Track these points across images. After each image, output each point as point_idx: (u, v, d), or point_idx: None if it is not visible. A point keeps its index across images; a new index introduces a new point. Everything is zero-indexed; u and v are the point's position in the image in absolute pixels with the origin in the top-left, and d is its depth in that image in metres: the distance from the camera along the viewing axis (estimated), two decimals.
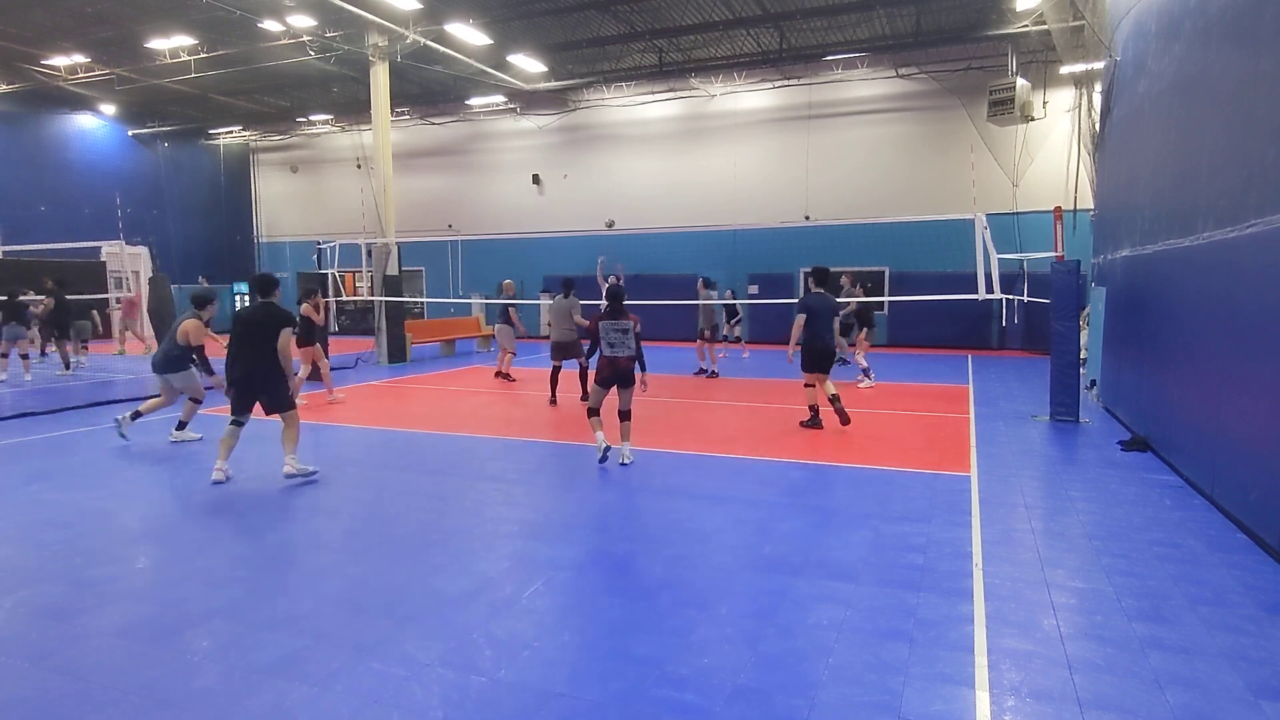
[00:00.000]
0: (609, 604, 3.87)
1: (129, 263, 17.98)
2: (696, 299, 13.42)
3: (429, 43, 15.77)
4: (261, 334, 6.14)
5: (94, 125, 23.22)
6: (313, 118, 24.01)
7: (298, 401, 7.02)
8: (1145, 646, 3.36)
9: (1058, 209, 10.54)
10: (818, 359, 8.44)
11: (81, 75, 18.88)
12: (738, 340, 17.55)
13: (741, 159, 20.52)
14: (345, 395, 10.81)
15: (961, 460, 6.91)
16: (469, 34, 15.56)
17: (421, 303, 22.82)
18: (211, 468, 6.38)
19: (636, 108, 21.42)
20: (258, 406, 6.36)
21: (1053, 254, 9.66)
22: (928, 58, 17.95)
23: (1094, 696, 2.96)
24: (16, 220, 20.44)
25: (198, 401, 8.02)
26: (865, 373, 11.80)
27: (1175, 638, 3.44)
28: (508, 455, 7.36)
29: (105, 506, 5.61)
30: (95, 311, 15.88)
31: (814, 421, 8.44)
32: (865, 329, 12.20)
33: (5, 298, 12.48)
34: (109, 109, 22.98)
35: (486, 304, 19.34)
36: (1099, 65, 11.48)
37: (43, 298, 13.80)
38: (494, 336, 13.96)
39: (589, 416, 6.97)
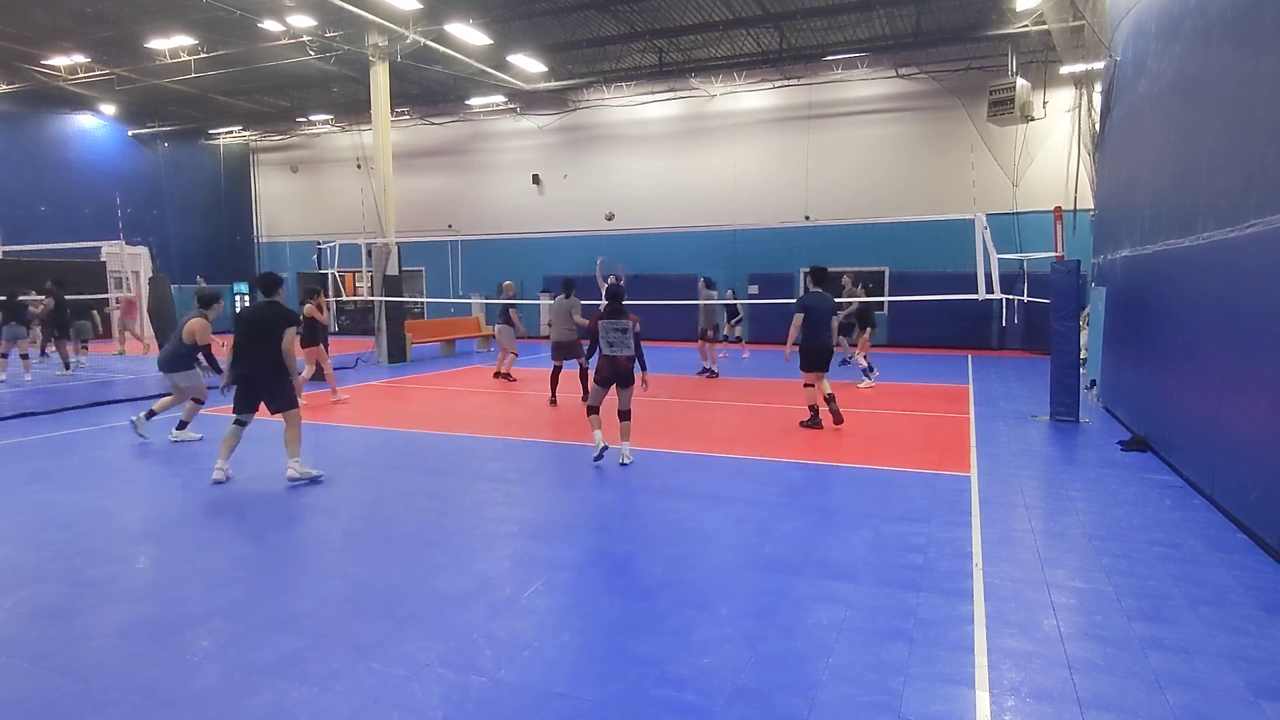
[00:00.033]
0: (609, 604, 3.87)
1: (129, 263, 17.98)
2: (697, 299, 13.42)
3: (429, 43, 15.77)
4: (265, 333, 6.13)
5: (94, 125, 23.22)
6: (313, 118, 24.01)
7: (299, 401, 7.01)
8: (1145, 646, 3.36)
9: (1058, 209, 10.55)
10: (816, 358, 8.45)
11: (81, 75, 18.88)
12: (738, 340, 17.55)
13: (741, 159, 20.52)
14: (349, 396, 10.80)
15: (961, 460, 6.91)
16: (469, 34, 15.56)
17: (421, 303, 22.83)
18: (212, 467, 6.38)
19: (636, 108, 21.42)
20: (261, 407, 6.35)
21: (1053, 254, 9.66)
22: (928, 58, 17.95)
23: (1094, 696, 2.96)
24: (16, 220, 20.44)
25: (200, 402, 8.03)
26: (865, 373, 11.80)
27: (1175, 638, 3.44)
28: (508, 455, 7.36)
29: (105, 506, 5.61)
30: (95, 311, 15.89)
31: (814, 421, 8.44)
32: (868, 329, 12.20)
33: (4, 298, 12.48)
34: (109, 109, 22.99)
35: (486, 304, 19.34)
36: (1099, 65, 11.49)
37: (43, 298, 13.80)
38: (494, 337, 13.96)
39: (588, 415, 7.01)
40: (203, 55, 17.27)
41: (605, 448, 6.82)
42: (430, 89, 21.22)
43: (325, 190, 26.44)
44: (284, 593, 4.04)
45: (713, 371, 13.07)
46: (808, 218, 18.89)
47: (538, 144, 23.00)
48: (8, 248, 18.72)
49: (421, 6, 14.70)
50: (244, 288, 26.38)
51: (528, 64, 17.92)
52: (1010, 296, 12.79)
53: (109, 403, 10.42)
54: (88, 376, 13.34)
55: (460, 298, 22.63)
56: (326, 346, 10.77)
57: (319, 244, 22.40)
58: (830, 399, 8.43)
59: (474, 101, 21.72)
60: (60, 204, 21.99)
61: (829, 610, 3.74)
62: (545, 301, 18.82)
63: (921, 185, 18.58)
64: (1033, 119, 14.70)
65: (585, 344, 9.03)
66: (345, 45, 16.01)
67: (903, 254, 18.49)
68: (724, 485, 6.20)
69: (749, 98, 20.36)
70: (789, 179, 19.97)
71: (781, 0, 15.16)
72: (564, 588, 4.08)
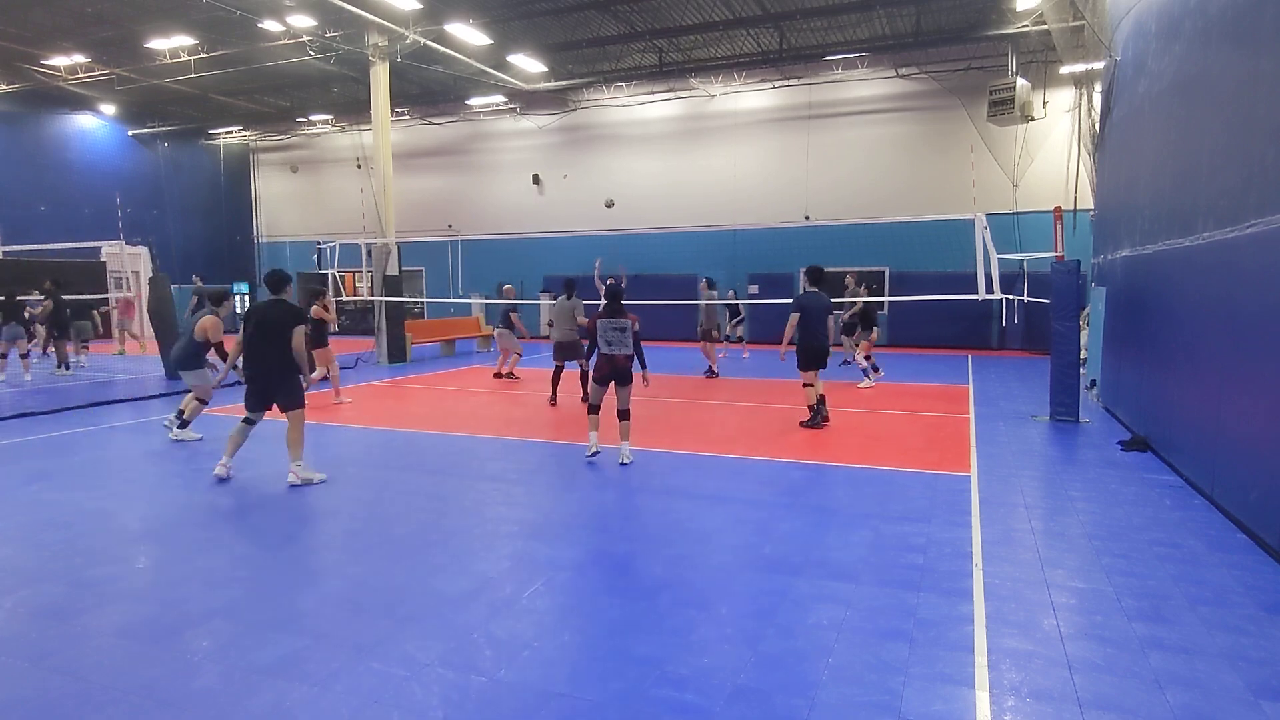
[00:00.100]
0: (609, 604, 3.87)
1: (129, 263, 17.96)
2: (697, 299, 13.42)
3: (429, 43, 15.77)
4: (274, 332, 6.11)
5: (94, 125, 23.21)
6: (313, 118, 24.01)
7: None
8: (1145, 646, 3.36)
9: (1058, 209, 10.55)
10: (813, 357, 8.47)
11: (81, 75, 18.88)
12: (739, 340, 17.56)
13: (741, 159, 20.52)
14: (351, 399, 10.77)
15: (961, 460, 6.91)
16: (469, 34, 15.56)
17: (421, 303, 22.82)
18: (212, 467, 6.38)
19: (636, 108, 21.42)
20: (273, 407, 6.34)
21: (1053, 254, 9.66)
22: (928, 58, 17.95)
23: (1094, 696, 2.96)
24: (16, 220, 20.43)
25: (204, 402, 8.03)
26: (866, 373, 11.81)
27: (1175, 638, 3.44)
28: (508, 455, 7.36)
29: (105, 506, 5.61)
30: (95, 311, 15.89)
31: (814, 421, 8.45)
32: (872, 329, 12.18)
33: (3, 298, 12.47)
34: (109, 109, 22.98)
35: (486, 304, 19.34)
36: (1099, 65, 11.49)
37: (43, 299, 13.80)
38: (494, 337, 13.95)
39: (589, 414, 7.06)
40: (203, 55, 17.27)
41: (598, 451, 6.95)
42: (430, 89, 21.22)
43: (325, 190, 26.44)
44: (284, 593, 4.04)
45: (713, 371, 13.08)
46: (808, 218, 18.89)
47: (538, 144, 23.00)
48: (8, 248, 18.72)
49: (421, 6, 14.70)
50: (244, 288, 26.39)
51: (528, 64, 17.92)
52: (1010, 296, 12.80)
53: (109, 403, 10.42)
54: (88, 376, 13.34)
55: (460, 298, 22.63)
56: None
57: (319, 244, 22.41)
58: (821, 400, 8.46)
59: (474, 101, 21.72)
60: (60, 204, 21.99)
61: (829, 610, 3.74)
62: (546, 302, 18.83)
63: (921, 185, 18.58)
64: (1033, 119, 14.70)
65: (585, 344, 9.04)
66: (345, 45, 16.01)
67: (903, 254, 18.49)
68: (724, 485, 6.20)
69: (749, 98, 20.36)
70: (789, 179, 19.97)
71: (781, 0, 15.16)
72: (564, 588, 4.08)
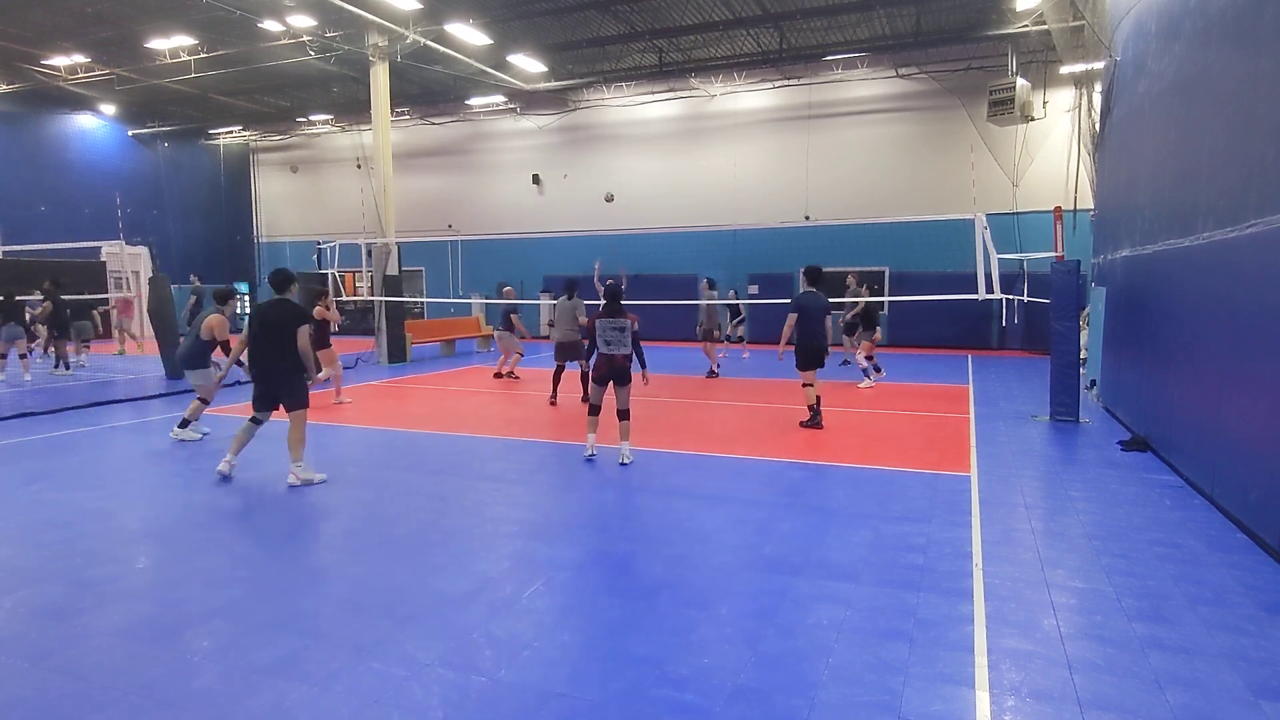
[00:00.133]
0: (609, 604, 3.87)
1: (129, 263, 17.96)
2: (697, 299, 13.42)
3: (429, 43, 15.77)
4: (278, 331, 6.11)
5: (94, 125, 23.22)
6: (313, 118, 24.01)
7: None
8: (1145, 646, 3.36)
9: (1058, 209, 10.54)
10: (812, 357, 8.48)
11: (81, 75, 18.88)
12: (740, 340, 17.56)
13: (741, 159, 20.52)
14: (352, 399, 10.77)
15: (961, 460, 6.91)
16: (469, 34, 15.56)
17: (421, 303, 22.82)
18: (213, 467, 6.39)
19: (636, 108, 21.42)
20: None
21: (1053, 254, 9.66)
22: (928, 58, 17.95)
23: (1094, 696, 2.96)
24: (16, 220, 20.43)
25: (205, 402, 8.04)
26: (866, 373, 11.81)
27: (1175, 638, 3.44)
28: (508, 455, 7.36)
29: (105, 506, 5.61)
30: (95, 311, 15.89)
31: (814, 421, 8.45)
32: (875, 329, 12.16)
33: (3, 298, 12.47)
34: (109, 109, 22.98)
35: (487, 304, 19.34)
36: (1099, 65, 11.49)
37: (42, 299, 13.79)
38: (493, 338, 13.94)
39: (588, 415, 7.09)
40: (203, 55, 17.27)
41: (594, 453, 7.00)
42: (430, 89, 21.22)
43: (325, 190, 26.44)
44: (284, 593, 4.04)
45: (714, 372, 13.08)
46: (808, 218, 18.89)
47: (538, 144, 23.00)
48: (8, 248, 18.72)
49: (421, 6, 14.70)
50: (244, 288, 26.39)
51: (528, 64, 17.92)
52: (1010, 296, 12.80)
53: (109, 403, 10.42)
54: (88, 376, 13.34)
55: (460, 298, 22.63)
56: None
57: (319, 244, 22.42)
58: (816, 402, 8.49)
59: (474, 101, 21.72)
60: (60, 204, 21.99)
61: (829, 610, 3.74)
62: (546, 302, 18.83)
63: (921, 185, 18.58)
64: (1033, 119, 14.70)
65: (586, 344, 9.05)
66: (345, 45, 16.01)
67: (903, 254, 18.49)
68: (724, 485, 6.20)
69: (749, 98, 20.36)
70: (789, 179, 19.97)
71: (781, 0, 15.16)
72: (564, 588, 4.08)
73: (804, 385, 8.57)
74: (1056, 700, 2.94)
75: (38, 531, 5.01)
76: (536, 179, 22.97)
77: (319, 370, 9.29)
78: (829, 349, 8.91)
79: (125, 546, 4.78)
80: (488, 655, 3.31)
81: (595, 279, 11.78)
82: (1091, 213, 13.30)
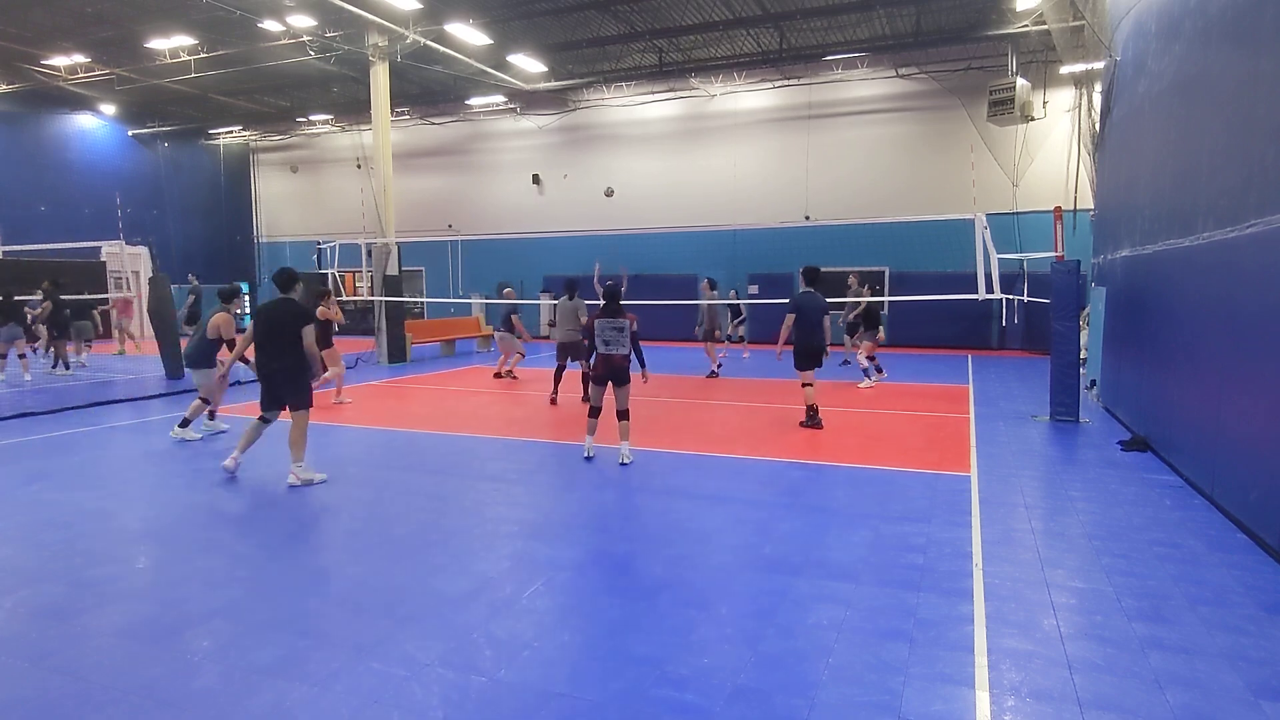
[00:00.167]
0: (609, 604, 3.87)
1: (129, 263, 17.96)
2: (697, 299, 13.42)
3: (429, 43, 15.77)
4: (281, 331, 6.10)
5: (94, 125, 23.21)
6: (313, 118, 24.01)
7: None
8: (1145, 646, 3.36)
9: (1058, 209, 10.54)
10: (810, 357, 8.49)
11: (81, 75, 18.88)
12: (741, 340, 17.56)
13: (741, 159, 20.52)
14: (352, 400, 10.77)
15: (961, 460, 6.91)
16: (469, 34, 15.56)
17: (421, 303, 22.82)
18: (213, 467, 6.39)
19: (636, 108, 21.42)
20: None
21: (1053, 254, 9.66)
22: (928, 58, 17.95)
23: (1094, 696, 2.96)
24: (16, 220, 20.43)
25: (206, 401, 8.05)
26: (867, 373, 11.81)
27: (1175, 638, 3.44)
28: (508, 455, 7.36)
29: (105, 506, 5.61)
30: (95, 311, 15.89)
31: (814, 421, 8.45)
32: (878, 329, 12.14)
33: (1, 299, 12.46)
34: (109, 109, 22.98)
35: (487, 304, 19.33)
36: (1099, 65, 11.49)
37: (42, 299, 13.78)
38: (494, 338, 13.93)
39: (588, 416, 7.10)
40: (203, 55, 17.27)
41: (591, 455, 7.01)
42: (430, 89, 21.22)
43: (325, 190, 26.44)
44: (284, 593, 4.04)
45: (714, 372, 13.07)
46: (808, 218, 18.89)
47: (538, 144, 23.00)
48: (8, 248, 18.72)
49: (421, 6, 14.70)
50: (244, 288, 26.37)
51: (528, 64, 17.92)
52: (1010, 296, 12.79)
53: (109, 403, 10.42)
54: (88, 376, 13.34)
55: (460, 298, 22.63)
56: None
57: (319, 244, 22.40)
58: (812, 408, 8.50)
59: (474, 101, 21.71)
60: (60, 204, 21.99)
61: (829, 610, 3.74)
62: (546, 302, 18.83)
63: (921, 185, 18.58)
64: (1033, 119, 14.70)
65: (586, 343, 9.06)
66: (345, 45, 16.01)
67: (903, 254, 18.49)
68: (724, 485, 6.20)
69: (749, 98, 20.36)
70: (789, 179, 19.97)
71: (781, 0, 15.16)
72: (564, 588, 4.08)
73: (803, 385, 8.57)
74: (1056, 700, 2.94)
75: (38, 531, 5.01)
76: (536, 179, 22.97)
77: (325, 370, 9.33)
78: (827, 349, 8.92)
79: (125, 546, 4.78)
80: (488, 655, 3.31)
81: (595, 280, 11.78)
82: (1091, 213, 13.30)
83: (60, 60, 18.15)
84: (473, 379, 13.19)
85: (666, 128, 21.32)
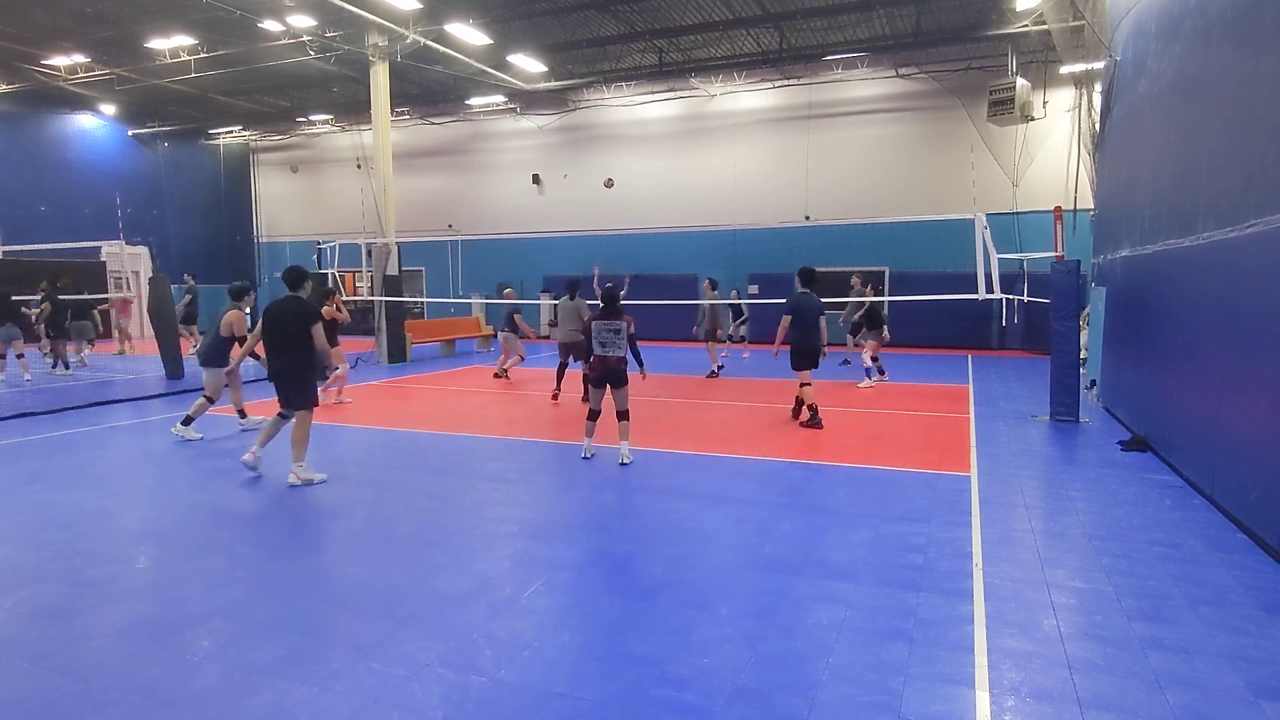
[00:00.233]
0: (609, 604, 3.87)
1: (129, 263, 17.98)
2: (697, 298, 13.42)
3: (429, 43, 15.77)
4: (288, 329, 6.09)
5: (94, 125, 23.20)
6: (313, 118, 24.00)
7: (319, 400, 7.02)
8: (1145, 646, 3.36)
9: (1058, 209, 10.54)
10: (807, 358, 8.50)
11: (81, 75, 18.87)
12: (741, 340, 17.55)
13: (741, 159, 20.52)
14: (353, 400, 10.76)
15: (961, 460, 6.91)
16: (469, 34, 15.55)
17: (421, 303, 22.82)
18: (213, 467, 6.39)
19: (636, 108, 21.42)
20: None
21: (1053, 254, 9.66)
22: (928, 58, 17.95)
23: (1094, 696, 2.96)
24: (16, 220, 20.42)
25: (211, 400, 8.05)
26: (869, 373, 11.80)
27: (1175, 638, 3.44)
28: (508, 455, 7.36)
29: (105, 506, 5.61)
30: (95, 311, 15.89)
31: (814, 421, 8.45)
32: (881, 329, 12.14)
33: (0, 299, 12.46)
34: (109, 109, 22.97)
35: (487, 304, 19.33)
36: (1099, 65, 11.49)
37: (41, 300, 13.77)
38: (494, 338, 13.92)
39: (588, 419, 7.12)
40: (203, 55, 17.26)
41: (590, 456, 7.03)
42: (430, 89, 21.21)
43: (325, 190, 26.44)
44: (284, 593, 4.04)
45: (714, 371, 13.08)
46: (808, 218, 18.89)
47: (538, 144, 23.00)
48: (8, 248, 18.71)
49: (421, 6, 14.70)
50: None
51: (528, 64, 17.92)
52: (1010, 296, 12.79)
53: (109, 403, 10.42)
54: (88, 376, 13.34)
55: (460, 298, 22.63)
56: None
57: (319, 244, 22.41)
58: (806, 407, 8.49)
59: (474, 101, 21.71)
60: (60, 204, 21.98)
61: (829, 610, 3.74)
62: (546, 302, 18.83)
63: (921, 185, 18.58)
64: (1033, 119, 14.69)
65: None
66: (345, 45, 16.01)
67: (903, 254, 18.49)
68: (724, 485, 6.20)
69: (749, 98, 20.36)
70: (789, 179, 19.97)
71: (781, 0, 15.16)
72: (564, 588, 4.08)
73: (801, 385, 8.58)
74: (1056, 700, 2.94)
75: (38, 531, 5.01)
76: (536, 179, 22.97)
77: (336, 368, 9.37)
78: (825, 350, 8.92)
79: (125, 546, 4.78)
80: (488, 655, 3.31)
81: (595, 283, 11.79)
82: (1091, 213, 13.30)
83: (60, 60, 18.14)
84: (473, 379, 13.19)
85: (666, 128, 21.32)
